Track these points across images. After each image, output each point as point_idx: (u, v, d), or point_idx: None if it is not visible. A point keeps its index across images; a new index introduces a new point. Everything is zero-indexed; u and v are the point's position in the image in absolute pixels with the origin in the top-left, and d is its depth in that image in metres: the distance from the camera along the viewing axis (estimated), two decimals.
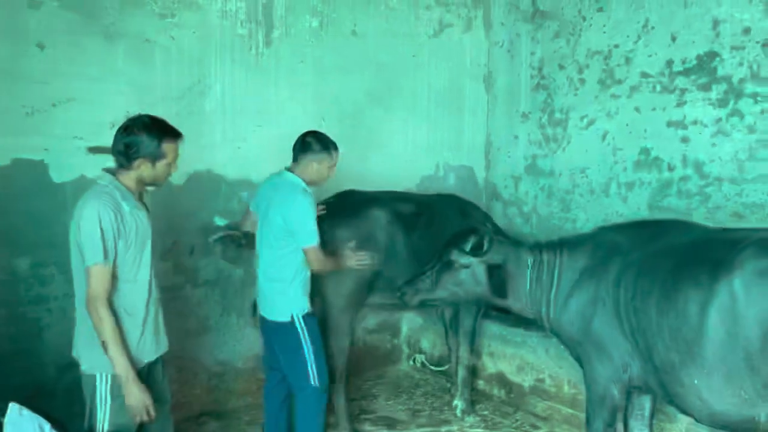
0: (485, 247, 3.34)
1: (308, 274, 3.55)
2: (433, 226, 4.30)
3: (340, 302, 4.01)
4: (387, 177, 5.36)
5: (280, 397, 3.75)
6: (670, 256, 2.78)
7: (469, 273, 3.40)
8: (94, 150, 3.82)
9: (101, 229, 2.59)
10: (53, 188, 3.78)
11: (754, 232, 2.63)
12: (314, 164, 3.56)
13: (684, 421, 3.60)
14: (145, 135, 2.71)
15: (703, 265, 2.57)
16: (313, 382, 3.47)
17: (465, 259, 3.39)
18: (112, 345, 2.61)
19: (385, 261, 4.05)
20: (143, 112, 2.89)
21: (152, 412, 2.71)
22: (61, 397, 3.71)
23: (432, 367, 5.39)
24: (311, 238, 3.41)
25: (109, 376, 2.69)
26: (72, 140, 3.80)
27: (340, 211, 4.03)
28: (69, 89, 3.80)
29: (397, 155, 5.56)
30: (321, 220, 3.85)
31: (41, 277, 3.79)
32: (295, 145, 3.63)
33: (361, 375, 5.38)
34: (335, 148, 3.64)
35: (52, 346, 3.75)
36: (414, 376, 5.46)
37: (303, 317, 3.50)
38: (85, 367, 2.76)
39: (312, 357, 3.47)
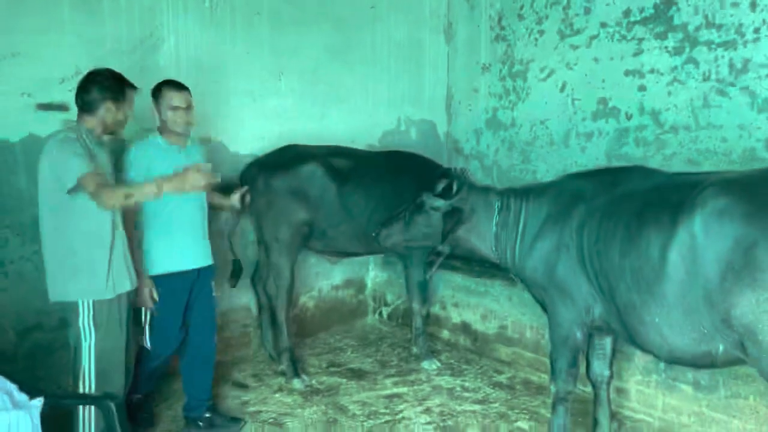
0: (454, 190, 3.40)
1: (157, 231, 3.43)
2: (367, 181, 4.44)
3: (277, 247, 4.31)
4: (348, 133, 5.32)
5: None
6: (632, 201, 2.84)
7: (439, 215, 3.47)
8: (45, 107, 3.66)
9: (78, 155, 2.76)
10: (1, 148, 3.61)
11: (713, 174, 2.71)
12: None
13: (642, 359, 3.75)
14: (112, 80, 2.99)
15: (664, 207, 2.63)
16: (145, 344, 3.48)
17: (435, 202, 3.45)
18: (142, 189, 2.83)
19: (317, 212, 4.33)
20: (94, 67, 3.09)
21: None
22: (23, 361, 3.64)
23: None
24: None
25: (91, 302, 2.86)
26: (19, 97, 3.62)
27: (277, 163, 4.32)
28: (12, 43, 3.58)
29: (357, 110, 5.50)
30: (259, 171, 4.27)
31: None
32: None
33: (329, 330, 5.44)
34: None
35: (11, 311, 3.63)
36: (380, 329, 5.53)
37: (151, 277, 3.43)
38: (66, 296, 2.86)
39: (148, 320, 3.46)
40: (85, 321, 2.87)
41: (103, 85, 2.95)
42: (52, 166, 2.78)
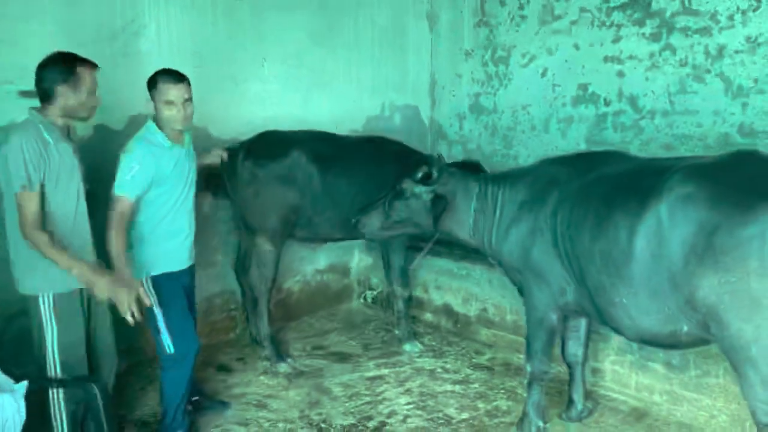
0: (434, 177, 3.45)
1: (162, 232, 3.26)
2: (350, 167, 4.45)
3: (264, 236, 4.31)
4: (331, 118, 5.35)
5: None
6: (603, 186, 2.92)
7: (419, 202, 3.53)
8: (27, 94, 3.66)
9: (24, 159, 2.71)
10: None
11: (682, 160, 2.78)
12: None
13: (616, 340, 3.85)
14: (60, 62, 2.87)
15: (633, 192, 2.71)
16: (168, 350, 3.26)
17: (416, 188, 3.51)
18: (57, 257, 2.75)
19: (303, 199, 4.32)
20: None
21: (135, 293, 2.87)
22: (9, 346, 3.67)
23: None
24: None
25: (51, 296, 2.86)
26: (1, 85, 3.63)
27: (260, 151, 4.28)
28: None
29: (341, 96, 5.53)
30: (243, 160, 4.21)
31: None
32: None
33: (314, 313, 5.51)
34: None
35: None
36: (365, 313, 5.61)
37: (152, 279, 3.24)
38: (25, 289, 2.88)
39: (163, 323, 3.23)
40: (46, 314, 2.85)
41: (53, 69, 2.84)
42: (4, 161, 2.72)
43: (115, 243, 3.02)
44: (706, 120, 4.20)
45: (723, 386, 3.41)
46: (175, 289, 3.34)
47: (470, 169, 3.66)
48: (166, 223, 3.28)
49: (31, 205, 2.74)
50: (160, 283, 3.26)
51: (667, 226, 2.52)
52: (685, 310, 2.54)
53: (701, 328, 2.53)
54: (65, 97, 2.86)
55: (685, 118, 4.31)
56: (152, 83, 3.20)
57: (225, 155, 4.14)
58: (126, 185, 3.08)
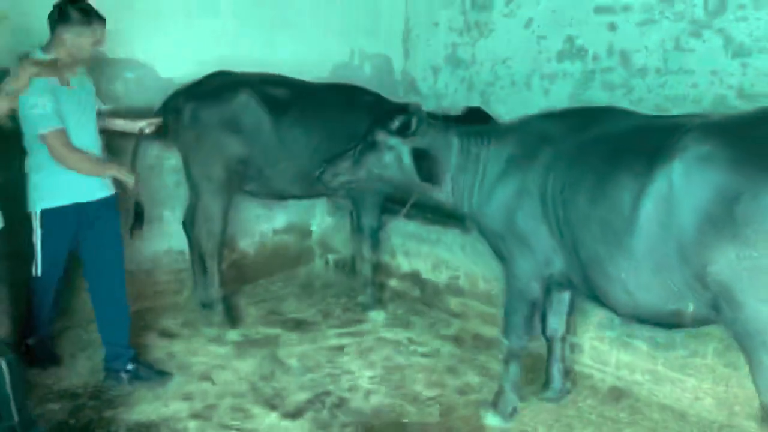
0: (413, 128, 3.05)
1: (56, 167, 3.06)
2: (311, 115, 4.05)
3: (209, 187, 3.91)
4: (296, 63, 4.83)
5: None
6: (604, 144, 2.58)
7: (393, 155, 3.14)
8: None
9: None
10: None
11: (695, 117, 2.45)
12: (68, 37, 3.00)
13: (597, 315, 3.57)
14: None
15: (640, 151, 2.37)
16: (35, 272, 3.22)
17: (391, 140, 3.11)
18: None
19: (252, 148, 3.93)
20: None
21: None
22: None
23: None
24: (42, 122, 2.96)
25: None
26: None
27: (205, 92, 3.86)
28: None
29: (306, 39, 5.03)
30: (185, 101, 3.78)
31: None
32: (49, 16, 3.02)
33: (270, 277, 5.10)
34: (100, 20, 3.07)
35: None
36: (326, 277, 5.22)
37: (43, 212, 3.11)
38: None
39: (39, 250, 3.17)
40: None
41: None
42: None
43: (88, 165, 3.10)
44: (702, 80, 3.88)
45: (711, 367, 3.17)
46: (66, 224, 3.17)
47: (475, 117, 3.28)
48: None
49: None
50: (50, 218, 3.12)
51: (679, 189, 2.19)
52: (693, 287, 2.24)
53: (709, 307, 2.24)
54: None
55: (680, 77, 3.98)
56: (65, 16, 2.95)
57: (149, 129, 3.61)
58: (48, 118, 2.95)
